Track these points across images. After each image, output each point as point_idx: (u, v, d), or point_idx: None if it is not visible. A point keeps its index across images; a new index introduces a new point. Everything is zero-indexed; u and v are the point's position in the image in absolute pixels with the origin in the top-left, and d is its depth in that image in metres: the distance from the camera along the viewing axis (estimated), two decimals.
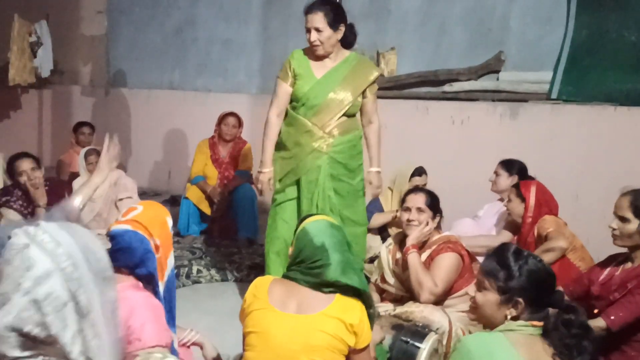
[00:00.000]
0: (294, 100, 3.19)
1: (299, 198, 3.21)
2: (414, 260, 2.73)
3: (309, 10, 3.07)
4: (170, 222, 1.90)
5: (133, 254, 1.72)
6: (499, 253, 1.77)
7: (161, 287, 1.80)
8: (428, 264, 2.79)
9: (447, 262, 2.73)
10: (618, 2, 4.30)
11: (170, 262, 1.86)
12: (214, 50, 6.49)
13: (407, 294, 2.82)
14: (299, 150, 3.15)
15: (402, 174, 4.09)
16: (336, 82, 3.12)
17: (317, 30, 3.03)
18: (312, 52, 3.15)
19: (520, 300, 1.67)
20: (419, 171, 4.06)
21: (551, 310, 1.67)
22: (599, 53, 4.35)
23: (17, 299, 1.17)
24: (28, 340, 1.18)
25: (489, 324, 1.75)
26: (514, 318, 1.68)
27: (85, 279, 1.22)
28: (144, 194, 5.48)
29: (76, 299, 1.20)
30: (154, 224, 1.80)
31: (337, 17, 3.06)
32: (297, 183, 3.21)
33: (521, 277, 1.68)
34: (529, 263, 1.70)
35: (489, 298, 1.72)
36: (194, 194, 4.74)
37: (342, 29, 3.10)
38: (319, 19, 3.02)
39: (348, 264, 1.99)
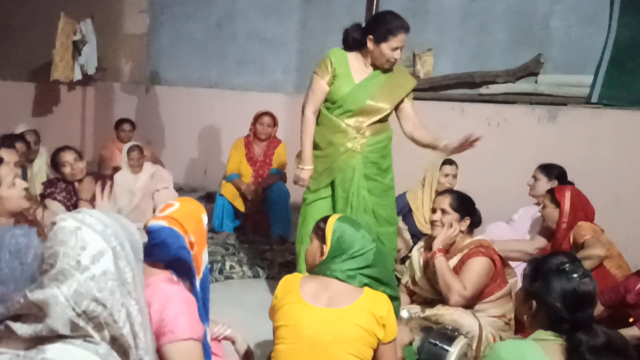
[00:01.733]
0: (329, 100, 3.17)
1: (331, 197, 3.22)
2: (441, 264, 2.72)
3: (405, 30, 3.03)
4: (205, 219, 1.94)
5: (168, 250, 1.77)
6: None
7: (197, 283, 1.84)
8: (459, 267, 2.78)
9: (477, 266, 2.71)
10: None
11: (205, 258, 1.90)
12: (253, 46, 6.56)
13: (438, 297, 2.81)
14: (332, 150, 3.16)
15: (432, 168, 4.09)
16: (374, 89, 3.12)
17: (400, 50, 3.06)
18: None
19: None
20: (449, 161, 4.05)
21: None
22: None
23: (77, 275, 1.27)
24: (80, 319, 1.27)
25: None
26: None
27: (130, 257, 1.35)
28: (180, 190, 5.58)
29: (123, 276, 1.33)
30: (189, 220, 1.84)
31: None
32: (330, 182, 3.23)
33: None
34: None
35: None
36: (228, 191, 4.82)
37: None
38: (406, 40, 3.05)
39: (381, 252, 2.17)
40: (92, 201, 3.76)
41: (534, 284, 1.74)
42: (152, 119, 7.13)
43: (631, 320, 2.23)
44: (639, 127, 4.17)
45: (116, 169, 4.66)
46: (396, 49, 3.03)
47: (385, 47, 3.03)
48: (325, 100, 3.18)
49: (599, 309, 2.43)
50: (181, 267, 1.79)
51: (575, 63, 4.57)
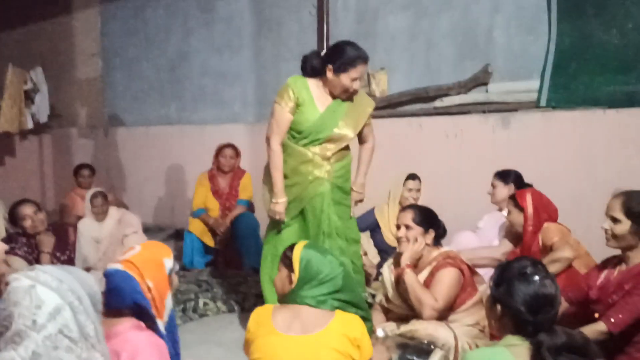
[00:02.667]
0: (294, 130, 3.13)
1: (297, 225, 3.22)
2: (411, 279, 2.75)
3: (364, 60, 3.06)
4: (169, 263, 1.91)
5: (122, 295, 1.74)
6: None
7: (161, 327, 1.82)
8: (430, 281, 2.81)
9: (446, 277, 2.75)
10: (597, 7, 4.37)
11: (168, 303, 1.88)
12: (208, 82, 6.59)
13: (412, 312, 2.83)
14: (300, 179, 3.15)
15: (396, 184, 4.17)
16: (339, 117, 3.13)
17: (359, 80, 3.09)
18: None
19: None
20: (412, 176, 4.13)
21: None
22: (582, 58, 4.41)
23: (34, 335, 1.25)
24: None
25: None
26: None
27: (89, 310, 1.34)
28: (148, 230, 5.52)
29: (85, 330, 1.31)
30: (148, 265, 1.83)
31: None
32: (300, 211, 3.22)
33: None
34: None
35: None
36: (196, 227, 4.78)
37: None
38: (365, 71, 3.11)
39: (349, 272, 2.20)
40: (54, 253, 3.69)
41: (498, 289, 1.78)
42: (113, 162, 7.05)
43: (596, 315, 2.29)
44: (588, 126, 4.33)
45: (79, 217, 4.58)
46: (355, 79, 3.05)
47: (344, 77, 3.04)
48: (290, 129, 3.14)
49: (564, 306, 2.49)
50: (141, 313, 1.77)
51: (521, 70, 4.73)
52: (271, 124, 3.14)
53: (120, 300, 1.75)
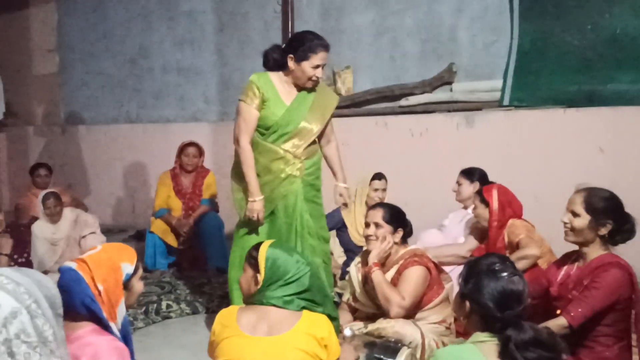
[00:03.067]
0: (262, 127, 3.10)
1: (270, 224, 3.16)
2: (378, 277, 2.74)
3: (324, 48, 3.05)
4: (127, 268, 1.84)
5: (71, 295, 1.68)
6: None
7: (117, 333, 1.75)
8: (397, 279, 2.81)
9: (414, 275, 2.75)
10: (558, 8, 4.47)
11: (121, 310, 1.80)
12: (170, 78, 6.47)
13: (379, 311, 2.82)
14: (272, 177, 3.10)
15: (362, 182, 4.16)
16: (305, 110, 3.12)
17: (322, 68, 3.07)
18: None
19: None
20: (379, 176, 4.13)
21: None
22: (544, 58, 4.50)
23: None
24: None
25: None
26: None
27: (48, 314, 1.28)
28: (108, 232, 5.38)
29: (44, 335, 1.25)
30: (101, 267, 1.76)
31: None
32: (271, 211, 3.16)
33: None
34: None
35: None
36: (158, 228, 4.68)
37: None
38: (327, 58, 3.07)
39: (317, 272, 2.15)
40: (11, 255, 3.56)
41: (467, 286, 1.78)
42: (71, 161, 6.85)
43: (558, 312, 2.31)
44: (549, 124, 4.42)
45: (36, 218, 4.42)
46: (317, 66, 3.04)
47: (306, 65, 3.02)
48: (258, 126, 3.11)
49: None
50: (92, 317, 1.71)
51: (484, 70, 4.80)
52: (238, 122, 3.10)
53: (69, 300, 1.67)
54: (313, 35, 3.10)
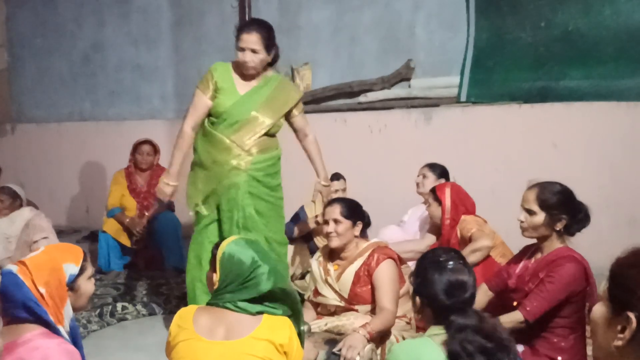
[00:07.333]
0: (213, 115, 3.10)
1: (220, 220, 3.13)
2: (372, 328, 2.54)
3: (245, 30, 3.03)
4: (70, 269, 1.76)
5: (13, 300, 1.61)
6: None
7: (66, 336, 1.68)
8: (365, 272, 2.76)
9: (388, 275, 2.70)
10: (514, 6, 4.55)
11: (67, 311, 1.73)
12: (125, 76, 6.32)
13: (342, 302, 2.79)
14: (218, 169, 3.08)
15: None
16: (259, 101, 3.10)
17: (253, 51, 3.00)
18: (237, 69, 3.11)
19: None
20: (337, 176, 4.10)
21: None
22: (499, 55, 4.58)
23: None
24: None
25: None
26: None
27: None
28: (61, 232, 5.22)
29: None
30: (41, 270, 1.69)
31: (271, 41, 3.08)
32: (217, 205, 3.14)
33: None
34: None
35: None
36: (111, 227, 4.56)
37: (274, 52, 3.11)
38: (255, 41, 3.00)
39: (279, 272, 2.01)
40: None
41: (417, 281, 1.80)
42: (21, 160, 6.61)
43: (515, 304, 2.34)
44: (505, 120, 4.50)
45: None
46: (242, 49, 3.01)
47: (237, 51, 3.04)
48: (210, 115, 3.11)
49: (489, 295, 2.55)
50: (39, 321, 1.63)
51: (441, 66, 4.85)
52: (189, 107, 3.15)
53: (11, 305, 1.60)
54: (245, 21, 3.10)
